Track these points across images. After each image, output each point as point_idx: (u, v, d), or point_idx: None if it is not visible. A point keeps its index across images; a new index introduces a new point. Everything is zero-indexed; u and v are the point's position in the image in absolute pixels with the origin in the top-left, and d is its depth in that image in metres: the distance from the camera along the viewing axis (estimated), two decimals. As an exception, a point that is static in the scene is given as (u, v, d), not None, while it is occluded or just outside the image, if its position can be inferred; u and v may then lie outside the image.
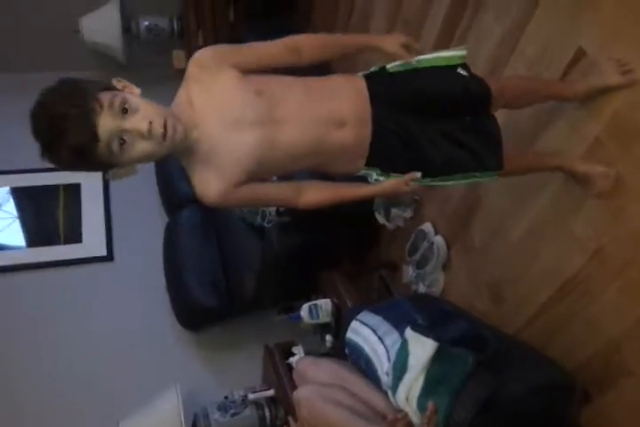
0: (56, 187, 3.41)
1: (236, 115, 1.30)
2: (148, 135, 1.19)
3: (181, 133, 1.24)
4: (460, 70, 1.44)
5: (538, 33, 1.79)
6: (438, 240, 2.38)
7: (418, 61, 1.44)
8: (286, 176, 1.51)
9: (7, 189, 3.48)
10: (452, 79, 1.43)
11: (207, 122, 1.29)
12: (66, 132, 1.14)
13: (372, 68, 1.47)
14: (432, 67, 1.44)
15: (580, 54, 1.63)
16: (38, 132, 1.18)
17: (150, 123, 1.19)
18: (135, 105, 1.20)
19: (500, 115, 1.53)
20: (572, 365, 1.72)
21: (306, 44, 1.37)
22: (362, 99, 1.39)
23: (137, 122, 1.19)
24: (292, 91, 1.35)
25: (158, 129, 1.19)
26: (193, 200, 3.04)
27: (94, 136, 1.15)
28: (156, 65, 3.88)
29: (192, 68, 1.32)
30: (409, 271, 2.53)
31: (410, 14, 2.50)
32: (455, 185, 1.51)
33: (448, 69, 1.45)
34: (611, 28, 1.53)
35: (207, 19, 3.67)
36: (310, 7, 3.61)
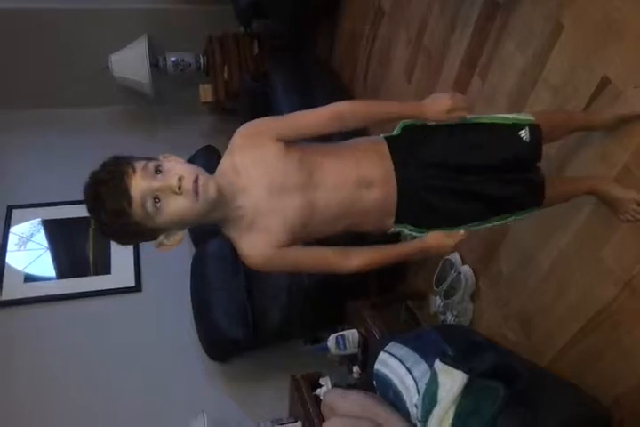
0: (86, 219, 3.42)
1: (281, 181, 1.33)
2: (179, 190, 1.21)
3: (214, 191, 1.25)
4: (523, 133, 1.42)
5: (561, 61, 1.80)
6: (466, 270, 2.36)
7: (475, 118, 1.44)
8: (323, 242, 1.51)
9: (38, 220, 3.55)
10: (503, 146, 1.43)
11: (252, 188, 1.32)
12: (102, 196, 1.21)
13: (401, 125, 1.47)
14: (490, 124, 1.44)
15: (604, 82, 1.63)
16: (86, 205, 1.26)
17: (180, 179, 1.21)
18: (169, 166, 1.24)
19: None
20: (607, 398, 1.68)
21: (351, 114, 1.37)
22: (384, 160, 1.41)
23: (167, 178, 1.22)
24: (327, 158, 1.39)
25: (188, 183, 1.21)
26: (220, 231, 3.09)
27: (127, 197, 1.19)
28: (184, 98, 3.97)
29: (237, 140, 1.35)
30: (436, 301, 2.51)
31: (431, 45, 2.53)
32: (494, 226, 1.52)
33: (508, 130, 1.43)
34: (635, 56, 1.53)
35: (232, 53, 3.76)
36: (333, 40, 3.68)
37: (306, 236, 1.40)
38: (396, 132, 1.48)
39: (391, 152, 1.42)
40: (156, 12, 3.90)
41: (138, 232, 1.27)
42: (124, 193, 1.19)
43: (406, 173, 1.41)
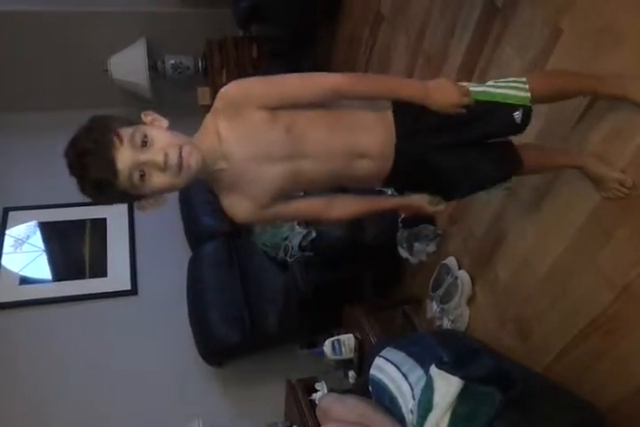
0: (82, 221, 3.46)
1: (266, 150, 1.32)
2: (165, 166, 1.21)
3: (198, 163, 1.25)
4: (517, 114, 1.41)
5: (560, 65, 1.78)
6: (462, 275, 2.35)
7: (475, 93, 1.42)
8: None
9: (34, 223, 3.54)
10: (495, 123, 1.43)
11: (235, 154, 1.31)
12: (87, 166, 1.19)
13: None
14: (487, 102, 1.42)
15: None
16: (69, 168, 1.23)
17: (166, 155, 1.21)
18: (154, 138, 1.22)
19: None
20: (603, 404, 1.66)
21: (350, 90, 1.34)
22: (388, 132, 1.39)
23: (153, 154, 1.21)
24: (317, 126, 1.35)
25: (173, 159, 1.21)
26: (216, 235, 3.09)
27: (113, 170, 1.18)
28: (182, 101, 3.95)
29: (220, 103, 1.32)
30: (433, 306, 2.50)
31: (431, 49, 2.53)
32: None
33: (504, 109, 1.42)
34: (633, 61, 1.53)
35: (230, 57, 3.75)
36: (331, 44, 3.68)
37: (288, 194, 1.42)
38: None
39: (396, 122, 1.39)
40: (155, 15, 3.90)
41: (122, 198, 1.27)
42: (111, 165, 1.18)
43: (405, 145, 1.39)
